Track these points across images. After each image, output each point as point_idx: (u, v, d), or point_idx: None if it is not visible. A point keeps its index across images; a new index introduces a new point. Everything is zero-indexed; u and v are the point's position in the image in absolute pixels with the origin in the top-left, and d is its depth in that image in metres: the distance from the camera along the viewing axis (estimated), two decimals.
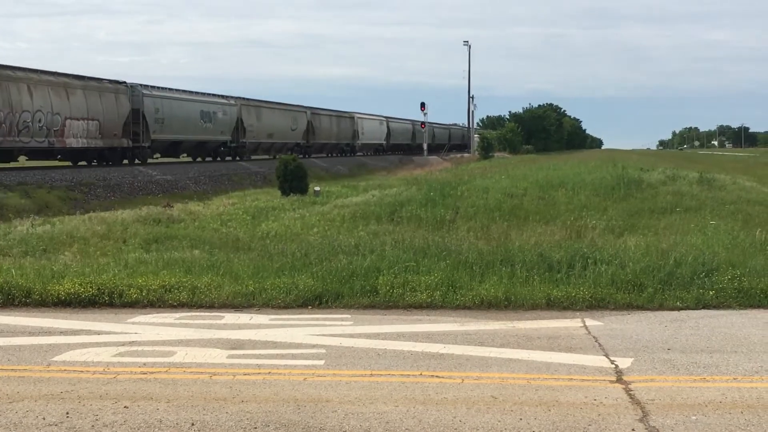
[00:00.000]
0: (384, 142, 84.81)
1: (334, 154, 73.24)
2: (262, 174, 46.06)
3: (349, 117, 75.00)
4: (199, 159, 50.49)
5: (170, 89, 46.14)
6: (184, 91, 47.73)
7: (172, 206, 24.33)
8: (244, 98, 54.86)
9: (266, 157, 59.19)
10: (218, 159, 51.19)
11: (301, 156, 58.71)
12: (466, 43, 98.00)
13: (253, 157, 57.07)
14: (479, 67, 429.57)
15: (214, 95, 51.23)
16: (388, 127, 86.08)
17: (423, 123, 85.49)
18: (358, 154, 76.87)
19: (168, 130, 44.12)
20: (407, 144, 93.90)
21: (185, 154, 50.09)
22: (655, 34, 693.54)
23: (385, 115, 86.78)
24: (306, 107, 65.15)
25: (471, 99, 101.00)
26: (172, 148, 47.24)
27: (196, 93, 48.97)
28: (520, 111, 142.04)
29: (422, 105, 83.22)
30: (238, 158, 52.78)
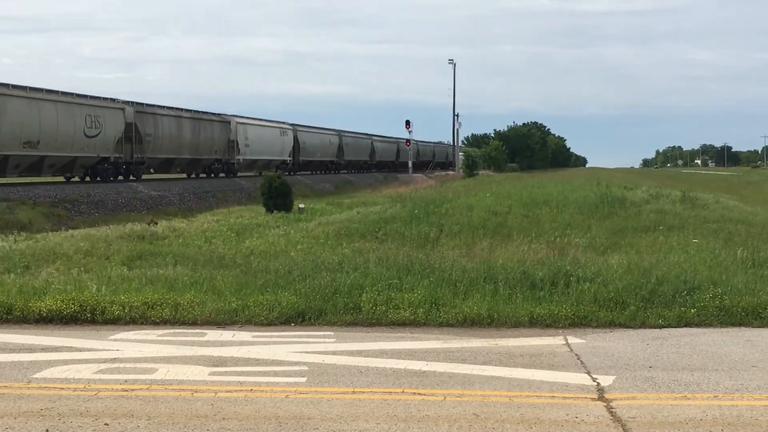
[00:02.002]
0: (288, 159, 63.35)
1: (195, 176, 52.41)
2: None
3: (221, 121, 52.74)
4: None
5: None
6: None
7: (156, 223, 24.26)
8: None
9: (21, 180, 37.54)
10: None
11: (120, 178, 41.45)
12: (451, 61, 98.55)
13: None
14: (464, 85, 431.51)
15: None
16: (295, 138, 64.92)
17: (408, 141, 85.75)
18: (243, 174, 56.62)
19: None
20: (331, 161, 74.11)
21: None
22: (637, 53, 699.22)
23: (291, 122, 66.10)
24: (125, 102, 42.45)
25: (456, 117, 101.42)
26: None
27: None
28: (505, 129, 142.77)
29: (407, 123, 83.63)
30: None
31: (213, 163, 52.46)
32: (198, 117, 50.04)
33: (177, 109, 48.32)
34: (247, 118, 57.39)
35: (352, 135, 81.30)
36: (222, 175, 53.59)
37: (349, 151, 78.52)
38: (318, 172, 71.26)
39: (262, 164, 58.68)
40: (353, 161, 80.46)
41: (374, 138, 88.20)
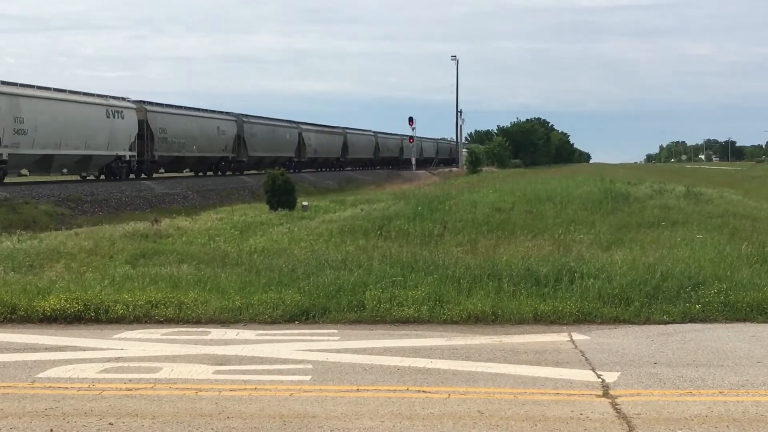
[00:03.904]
0: (127, 153, 41.67)
1: None
2: None
3: None
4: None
5: None
6: None
7: (159, 221, 24.25)
8: None
9: None
10: None
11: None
12: (453, 57, 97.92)
13: None
14: (466, 81, 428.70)
15: None
16: (145, 124, 43.25)
17: (411, 137, 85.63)
18: (10, 180, 34.83)
19: None
20: (223, 158, 52.57)
21: None
22: (638, 48, 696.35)
23: (138, 98, 44.29)
24: None
25: (459, 113, 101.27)
26: None
27: None
28: (508, 125, 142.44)
29: (410, 119, 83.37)
30: None
31: None
32: None
33: None
34: (27, 86, 34.83)
35: (266, 122, 58.81)
36: None
37: (257, 144, 56.23)
38: (199, 173, 51.32)
39: (72, 161, 38.16)
40: (266, 158, 57.47)
41: (302, 126, 66.01)
